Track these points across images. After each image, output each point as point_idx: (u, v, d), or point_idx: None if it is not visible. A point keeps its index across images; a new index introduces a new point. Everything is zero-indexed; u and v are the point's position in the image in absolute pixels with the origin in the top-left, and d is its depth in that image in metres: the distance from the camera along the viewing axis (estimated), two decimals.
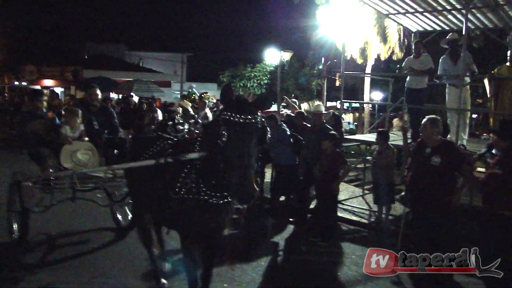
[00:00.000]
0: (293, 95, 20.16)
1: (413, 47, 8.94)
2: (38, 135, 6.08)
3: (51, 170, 5.75)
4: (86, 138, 6.09)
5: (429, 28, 10.22)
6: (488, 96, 8.51)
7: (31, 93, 7.64)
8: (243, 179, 2.99)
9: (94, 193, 6.07)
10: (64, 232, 6.30)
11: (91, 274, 4.99)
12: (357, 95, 22.02)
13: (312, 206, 7.85)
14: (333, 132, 6.95)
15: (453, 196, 4.87)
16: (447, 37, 8.46)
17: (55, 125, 6.24)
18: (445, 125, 7.26)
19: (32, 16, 31.09)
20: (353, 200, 8.82)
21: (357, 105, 29.39)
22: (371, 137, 9.00)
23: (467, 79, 8.19)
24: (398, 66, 16.62)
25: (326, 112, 7.99)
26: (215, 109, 13.35)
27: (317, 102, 14.05)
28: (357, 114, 29.89)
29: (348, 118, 30.91)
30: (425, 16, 9.43)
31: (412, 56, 8.71)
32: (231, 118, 3.09)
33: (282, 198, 8.35)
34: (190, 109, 11.94)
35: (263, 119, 3.39)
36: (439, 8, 8.64)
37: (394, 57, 17.56)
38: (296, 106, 11.36)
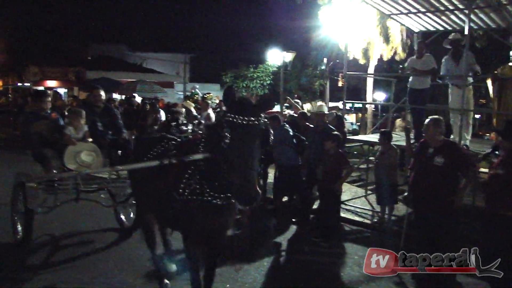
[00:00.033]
0: (295, 95, 20.16)
1: (415, 48, 8.94)
2: (42, 136, 6.08)
3: (54, 171, 5.75)
4: (90, 139, 6.10)
5: (431, 28, 10.21)
6: (491, 96, 8.50)
7: (35, 94, 7.66)
8: (245, 181, 2.98)
9: (97, 193, 6.10)
10: (68, 233, 6.32)
11: (93, 274, 5.01)
12: (359, 96, 21.99)
13: (315, 206, 7.85)
14: (336, 132, 6.96)
15: (456, 196, 4.86)
16: (450, 37, 8.44)
17: (59, 126, 6.24)
18: (448, 125, 7.25)
19: (35, 17, 31.14)
20: (355, 201, 8.82)
21: (360, 105, 29.39)
22: (374, 137, 8.99)
23: (470, 79, 8.18)
24: (400, 66, 16.66)
25: (328, 112, 7.98)
26: (218, 109, 13.37)
27: (319, 103, 14.07)
28: (360, 115, 29.90)
29: (351, 118, 30.91)
30: (428, 16, 9.43)
31: (414, 57, 8.71)
32: (234, 120, 3.08)
33: (285, 198, 8.36)
34: (193, 110, 11.99)
35: (266, 121, 3.36)
36: (442, 8, 8.64)
37: (397, 58, 17.59)
38: (299, 107, 11.38)
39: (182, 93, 27.27)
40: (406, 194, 5.41)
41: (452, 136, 7.70)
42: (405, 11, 9.30)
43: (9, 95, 23.98)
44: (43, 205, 5.68)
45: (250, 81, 23.93)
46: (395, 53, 17.36)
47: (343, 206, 7.92)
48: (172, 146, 4.02)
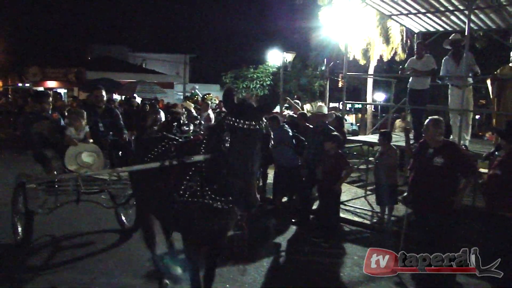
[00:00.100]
0: (295, 96, 20.16)
1: (415, 48, 8.95)
2: (43, 137, 6.08)
3: (55, 172, 5.75)
4: (91, 140, 6.09)
5: (431, 29, 10.23)
6: (491, 97, 8.51)
7: (36, 94, 7.65)
8: (244, 187, 2.95)
9: (98, 195, 6.10)
10: (68, 234, 6.31)
11: (93, 275, 5.00)
12: (359, 96, 22.02)
13: (314, 207, 7.86)
14: (336, 133, 6.96)
15: (456, 197, 4.87)
16: (450, 38, 8.45)
17: (60, 126, 6.24)
18: (448, 126, 7.26)
19: (35, 18, 31.23)
20: (355, 201, 8.82)
21: (360, 106, 29.40)
22: (374, 138, 9.01)
23: (470, 80, 8.19)
24: (400, 67, 16.63)
25: (328, 113, 7.98)
26: (217, 110, 13.38)
27: (319, 103, 14.07)
28: (359, 115, 29.92)
29: (350, 119, 30.97)
30: (428, 17, 9.45)
31: (414, 57, 8.72)
32: (235, 124, 3.02)
33: (285, 199, 8.37)
34: (193, 110, 11.99)
35: (267, 125, 3.31)
36: (442, 9, 8.65)
37: (397, 58, 17.58)
38: (299, 107, 11.38)
39: (182, 93, 27.29)
40: (405, 194, 5.40)
41: (451, 137, 7.71)
42: (405, 12, 9.32)
43: (9, 95, 23.96)
44: (43, 206, 5.68)
45: (250, 82, 23.92)
46: (395, 53, 17.36)
47: (342, 206, 7.93)
48: (173, 147, 4.02)
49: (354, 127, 27.77)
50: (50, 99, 6.87)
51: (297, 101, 12.89)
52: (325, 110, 8.04)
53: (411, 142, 6.28)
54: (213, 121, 10.32)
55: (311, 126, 7.85)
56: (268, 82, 24.00)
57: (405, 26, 11.15)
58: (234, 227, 3.80)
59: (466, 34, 7.83)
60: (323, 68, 25.33)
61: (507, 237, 4.29)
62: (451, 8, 8.53)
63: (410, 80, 8.68)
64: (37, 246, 5.80)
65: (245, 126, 3.00)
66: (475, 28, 9.80)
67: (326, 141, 6.70)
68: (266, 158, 7.42)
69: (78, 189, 5.55)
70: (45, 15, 32.30)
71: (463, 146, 7.14)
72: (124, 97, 19.57)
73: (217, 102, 17.42)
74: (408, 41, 16.38)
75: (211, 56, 36.96)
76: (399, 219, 7.28)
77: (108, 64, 25.77)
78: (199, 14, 54.20)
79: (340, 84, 22.53)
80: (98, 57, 30.58)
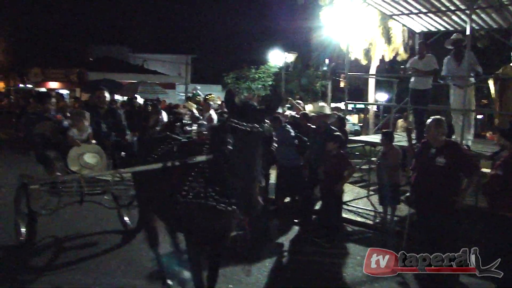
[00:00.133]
0: (297, 96, 20.16)
1: (417, 48, 8.94)
2: (45, 137, 6.09)
3: (58, 173, 5.74)
4: (94, 141, 6.09)
5: (433, 29, 10.22)
6: (493, 96, 8.49)
7: (39, 95, 7.68)
8: (246, 190, 2.94)
9: (101, 196, 6.10)
10: (71, 235, 6.32)
11: (96, 275, 5.02)
12: (361, 96, 21.94)
13: (316, 207, 7.85)
14: (338, 133, 6.96)
15: (458, 197, 4.86)
16: (451, 38, 8.44)
17: (63, 127, 6.24)
18: (450, 125, 7.26)
19: (37, 18, 31.23)
20: (358, 201, 8.82)
21: (362, 106, 29.33)
22: (376, 138, 9.00)
23: (472, 80, 8.17)
24: (402, 67, 16.59)
25: (330, 113, 7.97)
26: (219, 110, 13.38)
27: (321, 103, 14.04)
28: (362, 115, 29.84)
29: (352, 119, 30.90)
30: (429, 17, 9.44)
31: (416, 57, 8.71)
32: (238, 126, 3.00)
33: (287, 199, 8.36)
34: (195, 111, 11.99)
35: (270, 127, 3.31)
36: (443, 8, 8.65)
37: (399, 58, 17.55)
38: (301, 107, 11.37)
39: (183, 94, 27.32)
40: (408, 194, 5.40)
41: (453, 137, 7.70)
42: (407, 12, 9.31)
43: (11, 96, 24.02)
44: (46, 207, 5.68)
45: (251, 82, 23.93)
46: (396, 53, 17.34)
47: (345, 206, 7.93)
48: (176, 147, 4.02)
49: (356, 127, 27.70)
50: (54, 100, 6.87)
51: (299, 101, 12.88)
52: (327, 110, 8.03)
53: (413, 142, 6.27)
54: (215, 122, 10.32)
55: (313, 126, 7.84)
56: (270, 83, 24.01)
57: (406, 26, 11.14)
58: (237, 227, 3.81)
59: (467, 33, 7.83)
60: (325, 68, 25.33)
61: (507, 237, 4.29)
62: (452, 8, 8.52)
63: (412, 80, 8.67)
64: (39, 247, 5.81)
65: (247, 129, 2.99)
66: (477, 27, 9.79)
67: (328, 141, 6.70)
68: (269, 159, 7.42)
69: (82, 190, 5.55)
70: (45, 15, 32.30)
71: (465, 146, 7.12)
72: (126, 98, 19.59)
73: (219, 102, 17.43)
74: (410, 41, 16.35)
75: (212, 57, 36.93)
76: (401, 219, 7.28)
77: (110, 65, 25.84)
78: (200, 14, 54.23)
79: (342, 84, 22.46)
80: (100, 57, 30.64)
